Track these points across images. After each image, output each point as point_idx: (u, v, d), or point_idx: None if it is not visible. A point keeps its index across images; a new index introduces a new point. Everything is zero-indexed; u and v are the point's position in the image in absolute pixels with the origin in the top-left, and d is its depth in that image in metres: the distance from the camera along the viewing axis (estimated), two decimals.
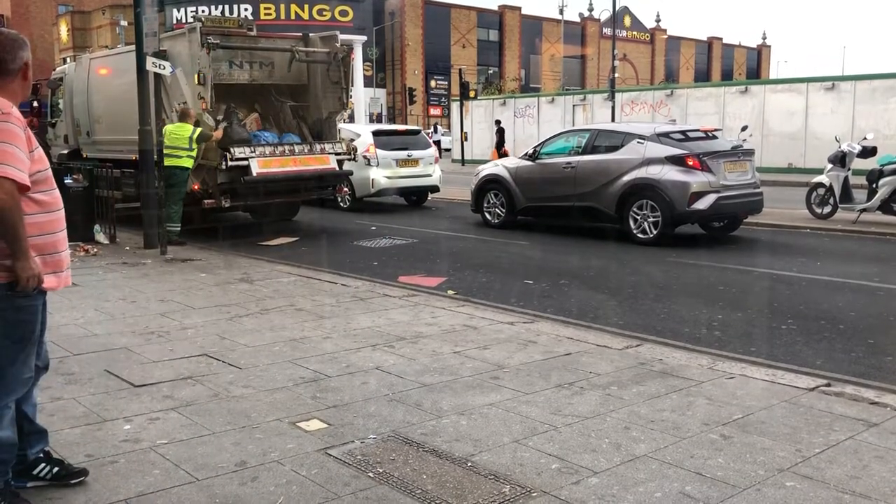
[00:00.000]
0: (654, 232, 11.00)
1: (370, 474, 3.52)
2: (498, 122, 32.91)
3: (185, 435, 3.99)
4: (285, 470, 3.57)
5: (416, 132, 17.70)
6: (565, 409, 4.38)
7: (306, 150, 12.08)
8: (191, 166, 11.01)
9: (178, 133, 10.77)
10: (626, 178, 11.23)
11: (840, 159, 13.18)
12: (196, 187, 11.42)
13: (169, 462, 3.66)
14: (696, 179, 10.80)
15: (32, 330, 3.17)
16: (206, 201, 11.45)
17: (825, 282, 8.54)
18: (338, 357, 5.40)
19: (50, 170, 3.23)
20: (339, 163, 12.53)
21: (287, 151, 11.82)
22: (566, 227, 12.60)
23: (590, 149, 11.96)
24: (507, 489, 3.38)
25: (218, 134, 11.20)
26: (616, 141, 11.75)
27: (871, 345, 6.05)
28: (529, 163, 12.76)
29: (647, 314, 7.12)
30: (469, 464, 3.64)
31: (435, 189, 16.88)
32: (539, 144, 13.10)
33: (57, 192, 3.25)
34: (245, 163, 11.16)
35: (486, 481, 3.46)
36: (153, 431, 4.03)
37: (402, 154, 15.98)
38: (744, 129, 15.54)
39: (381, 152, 15.59)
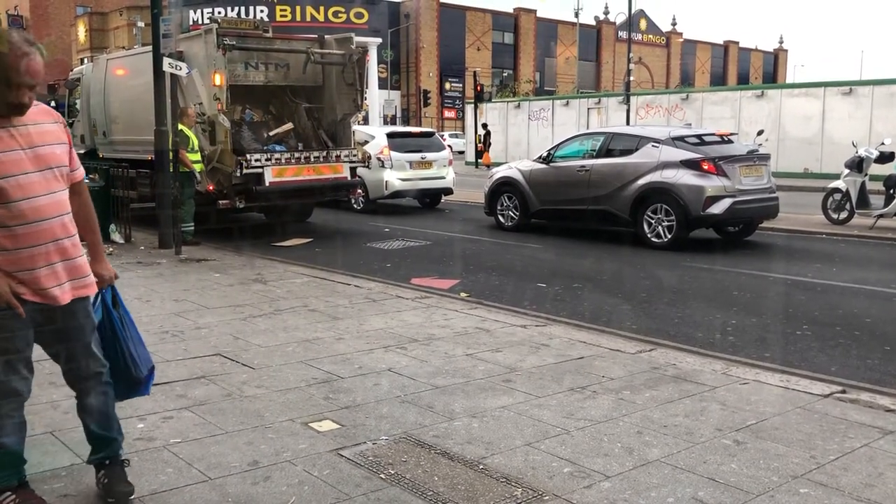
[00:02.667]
0: (669, 236, 10.96)
1: (382, 475, 3.53)
2: (484, 126, 33.31)
3: (199, 434, 4.01)
4: (297, 470, 3.58)
5: (431, 134, 17.76)
6: (578, 412, 4.37)
7: (321, 158, 12.14)
8: (184, 169, 10.84)
9: None
10: (641, 181, 11.19)
11: (857, 164, 13.10)
12: (211, 188, 11.49)
13: (182, 461, 3.68)
14: (712, 184, 10.75)
15: (6, 341, 2.97)
16: (220, 202, 11.52)
17: (841, 287, 8.48)
18: (350, 358, 5.41)
19: (24, 176, 2.90)
20: (353, 170, 12.62)
21: (303, 159, 11.88)
22: (580, 230, 12.57)
23: (604, 152, 11.93)
24: (518, 492, 3.38)
25: (183, 156, 10.81)
26: (631, 144, 11.71)
27: (887, 352, 6.00)
28: (543, 166, 12.74)
29: (661, 318, 7.09)
30: (481, 466, 3.64)
31: (448, 191, 16.90)
32: (553, 147, 13.09)
33: (27, 204, 2.91)
34: (259, 170, 11.25)
35: (497, 484, 3.46)
36: (166, 430, 4.05)
37: (416, 156, 16.01)
38: (760, 133, 15.46)
39: (394, 154, 15.62)
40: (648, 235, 11.16)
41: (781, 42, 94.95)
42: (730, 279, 9.00)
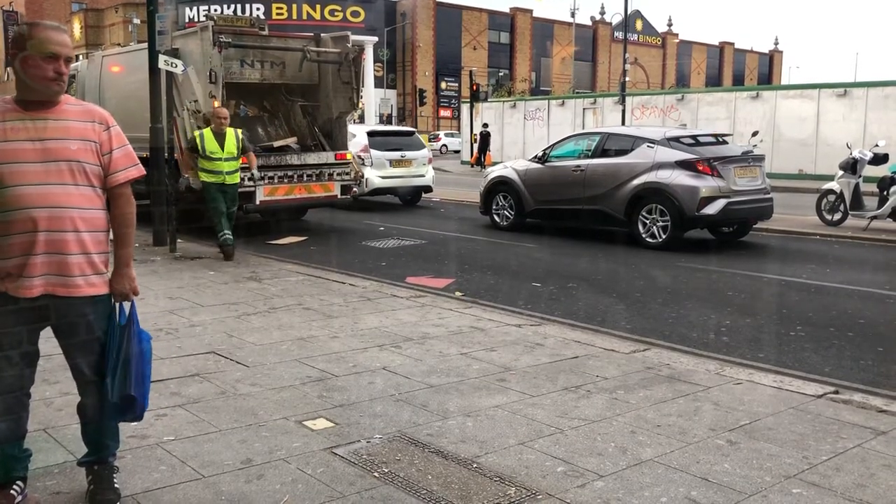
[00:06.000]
0: (664, 236, 10.97)
1: (375, 474, 3.53)
2: (485, 126, 33.23)
3: (192, 432, 4.00)
4: (291, 468, 3.58)
5: (411, 133, 18.15)
6: (572, 412, 4.37)
7: (314, 177, 12.20)
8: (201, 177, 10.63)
9: None
10: (636, 181, 11.21)
11: (851, 166, 13.13)
12: None
13: (175, 459, 3.67)
14: (706, 184, 10.77)
15: None
16: None
17: (834, 289, 8.50)
18: (345, 356, 5.41)
19: (18, 165, 2.91)
20: (343, 188, 12.71)
21: (295, 178, 11.95)
22: (575, 230, 12.58)
23: (599, 152, 11.94)
24: (512, 491, 3.38)
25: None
26: (626, 144, 11.73)
27: (880, 353, 6.02)
28: (539, 165, 12.75)
29: (655, 318, 7.10)
30: (474, 465, 3.64)
31: (428, 189, 17.15)
32: (549, 147, 13.09)
33: (12, 192, 2.90)
34: (251, 189, 11.33)
35: (491, 483, 3.46)
36: (160, 428, 4.04)
37: (396, 154, 16.26)
38: (754, 134, 15.49)
39: (375, 152, 15.88)
40: (643, 235, 11.17)
41: (777, 43, 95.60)
42: (724, 280, 9.02)
